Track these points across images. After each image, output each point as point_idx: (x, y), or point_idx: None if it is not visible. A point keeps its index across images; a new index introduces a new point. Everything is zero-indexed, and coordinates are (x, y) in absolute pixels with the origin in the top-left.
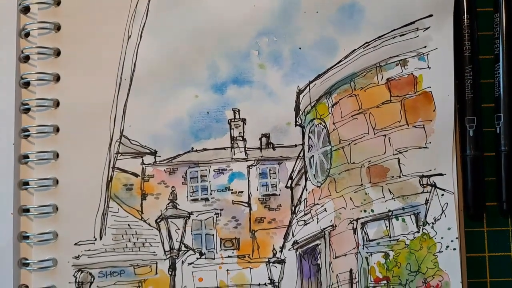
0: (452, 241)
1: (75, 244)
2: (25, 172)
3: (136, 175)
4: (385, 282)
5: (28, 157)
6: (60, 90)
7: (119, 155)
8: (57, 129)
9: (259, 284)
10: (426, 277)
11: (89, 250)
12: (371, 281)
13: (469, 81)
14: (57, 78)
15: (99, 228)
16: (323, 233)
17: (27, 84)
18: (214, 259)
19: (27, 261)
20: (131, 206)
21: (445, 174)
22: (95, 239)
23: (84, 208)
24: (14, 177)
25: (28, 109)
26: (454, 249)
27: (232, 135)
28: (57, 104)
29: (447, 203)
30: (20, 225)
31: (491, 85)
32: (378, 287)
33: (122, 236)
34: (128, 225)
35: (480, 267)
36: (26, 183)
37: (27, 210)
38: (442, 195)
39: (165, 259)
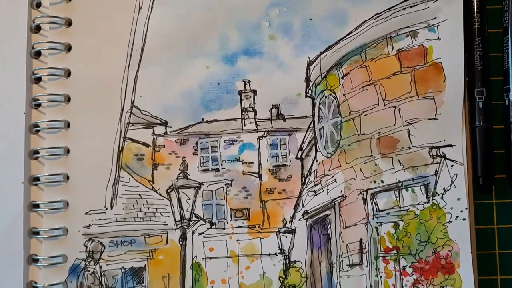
0: (461, 211)
1: (86, 213)
2: (35, 141)
3: (147, 145)
4: (395, 252)
5: (38, 127)
6: (71, 60)
7: (130, 125)
8: (68, 99)
9: (269, 254)
10: (436, 247)
11: (99, 219)
12: (381, 250)
13: (478, 53)
14: (69, 48)
15: (110, 198)
16: (333, 203)
17: (38, 54)
18: (224, 229)
19: (37, 230)
20: (142, 176)
21: (455, 145)
22: (106, 209)
23: (95, 177)
24: (25, 147)
25: (39, 79)
26: (464, 219)
27: (243, 106)
28: (68, 74)
29: (456, 174)
30: (30, 194)
31: (500, 59)
32: (388, 257)
33: (133, 205)
34: (139, 195)
35: (489, 239)
36: (37, 153)
37: (38, 179)
38: (452, 166)
39: (175, 229)
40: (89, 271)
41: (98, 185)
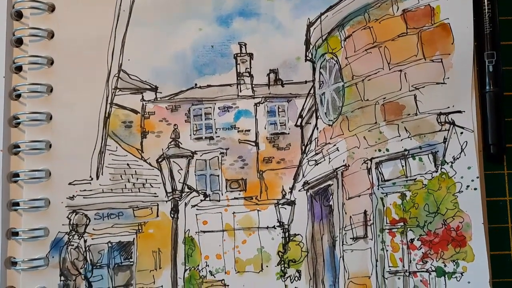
0: (472, 180)
1: (70, 183)
2: (16, 107)
3: (135, 111)
4: (401, 224)
5: (19, 91)
6: (55, 20)
7: (118, 90)
8: (51, 62)
9: (267, 227)
10: (445, 218)
11: (84, 190)
12: (386, 223)
13: (488, 15)
14: (52, 8)
15: (95, 167)
16: (335, 173)
17: (19, 15)
18: (219, 201)
19: (17, 201)
20: (130, 144)
21: (464, 111)
22: (91, 179)
23: (79, 145)
24: (4, 113)
25: (20, 41)
26: (475, 189)
27: (238, 71)
28: (51, 35)
29: (466, 142)
30: (10, 163)
31: (510, 23)
32: (395, 229)
33: (121, 176)
34: (127, 164)
35: (501, 212)
36: (17, 119)
37: (18, 148)
38: (461, 133)
39: (167, 201)
40: (72, 245)
41: (83, 153)
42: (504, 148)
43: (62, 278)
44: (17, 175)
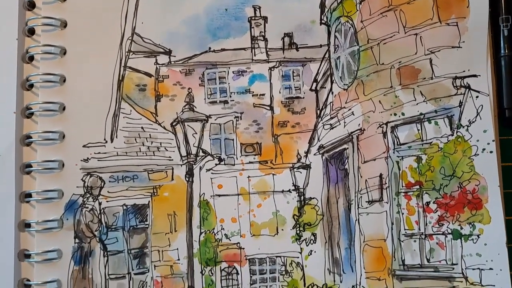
0: (488, 143)
1: (84, 146)
2: (29, 70)
3: (149, 75)
4: (417, 187)
5: (32, 54)
6: None
7: (131, 53)
8: (64, 25)
9: (282, 191)
10: (461, 181)
11: (99, 153)
12: (402, 186)
13: None
14: None
15: (110, 130)
16: (350, 137)
17: None
18: (234, 165)
19: (31, 163)
20: (144, 107)
21: (480, 75)
22: (106, 142)
23: (93, 108)
24: (17, 76)
25: (33, 4)
26: (491, 152)
27: (253, 35)
28: None
29: (482, 105)
30: (23, 126)
31: None
32: (410, 192)
33: (135, 139)
34: (142, 127)
35: None
36: (31, 82)
37: (32, 112)
38: (477, 97)
39: (181, 165)
40: (87, 208)
41: (97, 116)
42: None
43: (77, 241)
44: (30, 137)
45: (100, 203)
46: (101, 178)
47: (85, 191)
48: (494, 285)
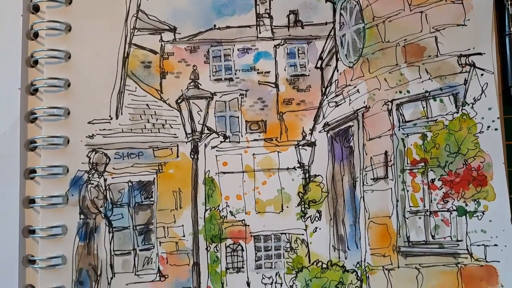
0: (493, 121)
1: (89, 122)
2: (33, 46)
3: (154, 52)
4: (422, 164)
5: (37, 32)
6: None
7: (136, 30)
8: (69, 2)
9: (287, 168)
10: (466, 158)
11: (104, 129)
12: (407, 163)
13: None
14: None
15: (115, 107)
16: (356, 114)
17: None
18: (239, 142)
19: (35, 139)
20: (149, 85)
21: (484, 53)
22: (111, 118)
23: (98, 84)
24: (22, 53)
25: None
26: (496, 129)
27: (258, 12)
28: None
29: (487, 83)
30: (27, 102)
31: None
32: (415, 169)
33: (140, 116)
34: (147, 105)
35: None
36: (35, 58)
37: (36, 88)
38: (482, 75)
39: (186, 142)
40: (92, 184)
41: (102, 93)
42: None
43: (82, 217)
44: (34, 113)
45: (105, 180)
46: (106, 154)
47: (90, 167)
48: (499, 261)
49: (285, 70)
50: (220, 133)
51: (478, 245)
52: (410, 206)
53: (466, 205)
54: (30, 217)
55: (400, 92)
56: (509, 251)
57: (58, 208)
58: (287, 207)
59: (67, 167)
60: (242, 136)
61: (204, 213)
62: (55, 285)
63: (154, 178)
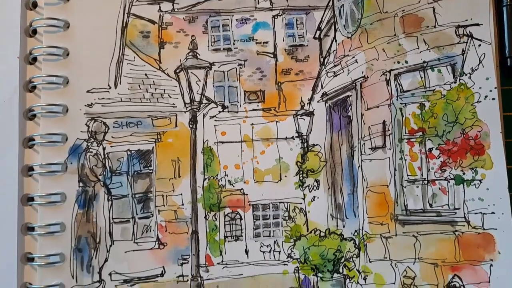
0: (490, 91)
1: (88, 91)
2: (32, 15)
3: (153, 22)
4: (420, 133)
5: (35, 1)
6: None
7: (135, 0)
8: None
9: (286, 138)
10: (464, 127)
11: (103, 98)
12: (405, 132)
13: None
14: None
15: (113, 76)
16: (354, 84)
17: None
18: (237, 112)
19: (34, 106)
20: (148, 54)
21: (482, 24)
22: (110, 88)
23: (97, 54)
24: (21, 21)
25: None
26: (493, 99)
27: None
28: None
29: (484, 54)
30: (26, 71)
31: None
32: (413, 139)
33: (139, 86)
34: (145, 74)
35: None
36: (34, 30)
37: (35, 58)
38: (479, 45)
39: (185, 112)
40: (91, 152)
41: (101, 62)
42: None
43: (81, 184)
44: (34, 86)
45: (104, 148)
46: (105, 123)
47: (89, 136)
48: (496, 229)
49: (283, 40)
50: (218, 103)
51: (476, 213)
52: (408, 175)
53: (464, 173)
54: (29, 185)
55: (398, 62)
56: (506, 219)
57: (57, 175)
58: (286, 176)
59: (66, 135)
60: (240, 106)
61: (203, 182)
62: (54, 252)
63: (153, 147)
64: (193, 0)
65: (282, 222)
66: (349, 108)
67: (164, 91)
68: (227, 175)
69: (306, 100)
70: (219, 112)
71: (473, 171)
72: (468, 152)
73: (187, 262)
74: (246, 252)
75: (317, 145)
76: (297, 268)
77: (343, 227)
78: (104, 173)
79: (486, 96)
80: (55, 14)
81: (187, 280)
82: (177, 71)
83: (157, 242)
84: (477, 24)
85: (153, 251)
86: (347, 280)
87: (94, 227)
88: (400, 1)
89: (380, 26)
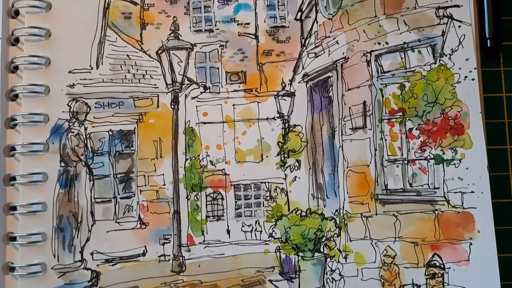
0: (470, 71)
1: (69, 72)
2: None
3: (135, 3)
4: (400, 114)
5: None
6: None
7: None
8: None
9: (267, 118)
10: (444, 108)
11: (84, 79)
12: (386, 113)
13: None
14: None
15: (95, 57)
16: (335, 65)
17: None
18: (219, 93)
19: (16, 87)
20: (130, 35)
21: (462, 5)
22: (91, 68)
23: (79, 35)
24: (3, 3)
25: None
26: (473, 79)
27: None
28: None
29: (464, 35)
30: (8, 52)
31: None
32: (393, 119)
33: (121, 66)
34: (127, 55)
35: (498, 108)
36: (16, 8)
37: (17, 39)
38: (459, 26)
39: (167, 93)
40: (73, 132)
41: (83, 43)
42: (501, 42)
43: (62, 164)
44: (16, 66)
45: (86, 128)
46: (87, 104)
47: (71, 116)
48: (475, 208)
49: (265, 21)
50: (200, 84)
51: (455, 192)
52: (388, 155)
53: (443, 153)
54: (11, 165)
55: (379, 43)
56: (485, 198)
57: (38, 155)
58: (267, 156)
59: (48, 115)
60: (222, 86)
61: (185, 162)
62: (36, 231)
63: (135, 128)
64: None
65: (263, 202)
66: (330, 89)
67: (146, 72)
68: (208, 155)
69: (287, 81)
70: (201, 93)
71: (452, 150)
72: (448, 132)
73: (169, 242)
74: (228, 232)
75: (298, 125)
76: (278, 248)
77: (324, 206)
78: (86, 153)
79: (466, 77)
80: None
81: (169, 259)
82: (159, 52)
83: (138, 222)
84: (457, 6)
85: (135, 230)
86: (328, 259)
87: (76, 206)
88: None
89: (361, 8)
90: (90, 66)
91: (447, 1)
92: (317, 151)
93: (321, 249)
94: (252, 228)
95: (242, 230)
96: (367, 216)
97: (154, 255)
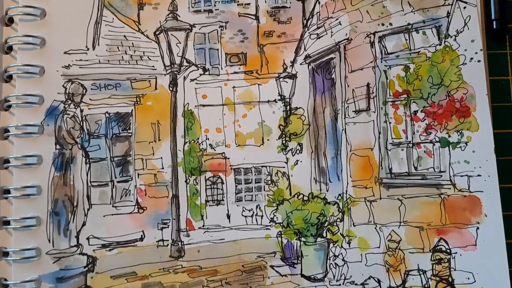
0: (476, 53)
1: (65, 52)
2: None
3: None
4: (405, 96)
5: None
6: None
7: None
8: None
9: (268, 101)
10: (449, 90)
11: (80, 60)
12: (390, 95)
13: None
14: None
15: (91, 38)
16: (337, 46)
17: None
18: (219, 75)
19: (9, 67)
20: (127, 16)
21: None
22: (88, 49)
23: (74, 14)
24: None
25: None
26: (479, 61)
27: None
28: None
29: (469, 16)
30: (2, 33)
31: None
32: (398, 101)
33: (118, 47)
34: (124, 36)
35: (504, 91)
36: None
37: (11, 20)
38: (465, 8)
39: (165, 74)
40: (68, 114)
41: (79, 23)
42: (507, 24)
43: (58, 147)
44: (10, 47)
45: (82, 110)
46: (83, 85)
47: (67, 97)
48: (482, 191)
49: (265, 2)
50: (199, 65)
51: (462, 176)
52: (392, 138)
53: (449, 136)
54: (5, 147)
55: (383, 24)
56: (492, 181)
57: (33, 137)
58: (268, 140)
59: (43, 97)
60: (222, 68)
61: (183, 145)
62: (30, 215)
63: (132, 110)
64: None
65: (264, 186)
66: (333, 71)
67: (144, 53)
68: (208, 138)
69: (288, 63)
70: (200, 75)
71: (458, 133)
72: (454, 114)
73: (167, 227)
74: (228, 216)
75: (300, 108)
76: (280, 233)
77: (327, 191)
78: (82, 135)
79: (471, 59)
80: None
81: (167, 244)
82: (157, 33)
83: (136, 206)
84: None
85: (132, 215)
86: (331, 244)
87: (72, 190)
88: None
89: None
90: (86, 46)
91: None
92: (319, 134)
93: (324, 234)
94: (253, 212)
95: (242, 215)
96: (371, 201)
97: (152, 240)
